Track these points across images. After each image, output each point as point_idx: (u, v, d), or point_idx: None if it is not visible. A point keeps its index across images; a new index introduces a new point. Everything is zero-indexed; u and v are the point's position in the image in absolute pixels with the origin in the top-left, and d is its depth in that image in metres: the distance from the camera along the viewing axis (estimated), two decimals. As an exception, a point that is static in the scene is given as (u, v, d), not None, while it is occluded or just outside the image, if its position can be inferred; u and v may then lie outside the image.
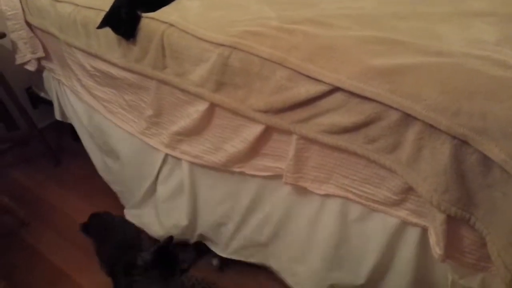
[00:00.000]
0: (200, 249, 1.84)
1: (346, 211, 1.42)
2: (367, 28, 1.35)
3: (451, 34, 1.29)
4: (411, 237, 1.32)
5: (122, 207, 2.12)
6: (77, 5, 1.76)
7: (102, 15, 1.61)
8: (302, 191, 1.48)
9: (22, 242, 1.98)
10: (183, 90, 1.56)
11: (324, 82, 1.22)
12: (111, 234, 1.62)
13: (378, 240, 1.39)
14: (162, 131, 1.72)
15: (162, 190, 1.87)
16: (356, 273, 1.50)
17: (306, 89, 1.26)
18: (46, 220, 2.08)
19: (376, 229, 1.38)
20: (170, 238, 1.50)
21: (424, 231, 1.27)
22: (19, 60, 2.12)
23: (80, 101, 2.05)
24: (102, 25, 1.59)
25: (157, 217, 1.91)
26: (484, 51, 1.18)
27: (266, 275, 1.77)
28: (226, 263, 1.81)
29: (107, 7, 1.61)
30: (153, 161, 1.82)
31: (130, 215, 2.01)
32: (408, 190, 1.23)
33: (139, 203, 1.98)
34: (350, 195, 1.36)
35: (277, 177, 1.50)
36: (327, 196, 1.42)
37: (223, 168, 1.59)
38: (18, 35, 2.05)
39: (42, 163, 2.42)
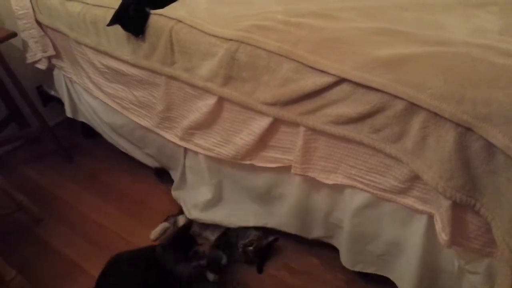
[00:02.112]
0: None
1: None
2: (372, 20, 1.37)
3: (454, 24, 1.32)
4: (418, 224, 1.34)
5: (131, 202, 2.16)
6: (86, 3, 1.80)
7: (111, 13, 1.64)
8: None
9: (36, 237, 2.01)
10: (192, 85, 1.59)
11: (330, 74, 1.25)
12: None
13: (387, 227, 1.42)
14: (175, 125, 1.76)
15: (190, 177, 1.93)
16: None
17: (313, 81, 1.29)
18: (59, 215, 2.11)
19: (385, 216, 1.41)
20: (189, 223, 1.55)
21: (431, 218, 1.30)
22: (30, 59, 2.16)
23: (95, 98, 2.09)
24: (112, 22, 1.62)
25: (190, 201, 1.95)
26: (487, 40, 1.20)
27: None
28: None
29: (116, 5, 1.64)
30: (178, 151, 1.88)
31: (174, 194, 2.06)
32: (414, 178, 1.25)
33: (177, 185, 2.03)
34: (358, 184, 1.39)
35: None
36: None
37: (233, 161, 1.62)
38: (29, 34, 2.09)
39: (53, 160, 2.46)
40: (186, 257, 1.58)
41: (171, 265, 1.56)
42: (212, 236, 1.89)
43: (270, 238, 1.82)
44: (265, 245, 1.80)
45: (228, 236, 1.86)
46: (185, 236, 1.62)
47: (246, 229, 1.84)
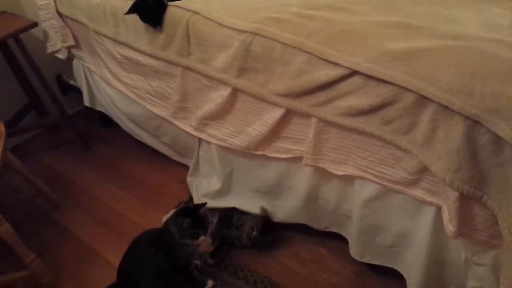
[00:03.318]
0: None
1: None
2: (385, 13, 1.39)
3: (466, 18, 1.33)
4: (426, 216, 1.36)
5: (146, 190, 2.21)
6: (106, -5, 1.84)
7: (130, 4, 1.68)
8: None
9: (54, 222, 2.08)
10: (207, 76, 1.63)
11: (343, 66, 1.27)
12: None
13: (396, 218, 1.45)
14: (189, 115, 1.80)
15: (203, 166, 1.97)
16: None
17: (325, 73, 1.31)
18: (76, 201, 2.18)
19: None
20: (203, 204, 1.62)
21: (439, 210, 1.31)
22: (50, 48, 2.21)
23: (112, 88, 2.14)
24: (130, 11, 1.67)
25: (201, 189, 2.00)
26: (498, 35, 1.21)
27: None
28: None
29: (135, -3, 1.68)
30: (192, 141, 1.92)
31: (188, 180, 2.11)
32: (423, 170, 1.27)
33: (192, 173, 2.08)
34: (368, 176, 1.41)
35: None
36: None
37: (246, 151, 1.66)
38: (50, 24, 2.14)
39: (72, 148, 2.52)
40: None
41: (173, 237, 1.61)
42: (213, 218, 1.94)
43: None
44: (263, 221, 1.82)
45: (229, 217, 1.91)
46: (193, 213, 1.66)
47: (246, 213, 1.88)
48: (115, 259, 1.79)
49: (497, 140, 1.08)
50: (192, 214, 1.57)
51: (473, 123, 1.09)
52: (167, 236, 1.58)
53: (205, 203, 1.62)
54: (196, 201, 1.96)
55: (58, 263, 1.82)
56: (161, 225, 1.68)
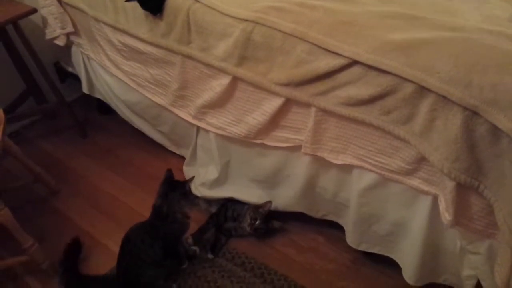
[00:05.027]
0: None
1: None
2: (386, 4, 1.40)
3: (467, 10, 1.34)
4: (423, 205, 1.39)
5: (144, 177, 2.23)
6: (106, -19, 1.84)
7: (130, -9, 1.68)
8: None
9: (52, 208, 2.08)
10: (207, 65, 1.63)
11: (343, 56, 1.28)
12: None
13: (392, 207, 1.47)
14: (188, 103, 1.80)
15: (200, 156, 1.98)
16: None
17: (326, 63, 1.32)
18: (74, 188, 2.18)
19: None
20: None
21: (435, 200, 1.33)
22: (49, 35, 2.20)
23: (111, 75, 2.14)
24: (130, -1, 1.67)
25: (199, 179, 1.99)
26: (498, 27, 1.23)
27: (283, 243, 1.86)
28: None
29: (135, -16, 1.67)
30: (191, 130, 1.93)
31: (185, 169, 2.12)
32: (421, 160, 1.29)
33: (188, 162, 2.08)
34: (366, 165, 1.43)
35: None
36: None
37: (245, 140, 1.67)
38: (49, 10, 2.13)
39: (69, 135, 2.52)
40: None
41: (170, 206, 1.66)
42: (210, 208, 1.97)
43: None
44: (263, 210, 1.83)
45: (226, 208, 1.93)
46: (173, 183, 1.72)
47: (242, 204, 1.90)
48: (113, 245, 1.81)
49: (495, 131, 1.09)
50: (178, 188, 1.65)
51: (472, 113, 1.11)
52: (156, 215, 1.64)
53: (193, 177, 1.68)
54: (194, 190, 1.97)
55: (56, 248, 1.83)
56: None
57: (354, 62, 1.27)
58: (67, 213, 2.06)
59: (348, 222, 1.65)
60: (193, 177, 1.74)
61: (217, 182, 1.92)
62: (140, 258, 1.60)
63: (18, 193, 2.11)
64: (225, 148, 1.81)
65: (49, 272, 1.77)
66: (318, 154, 1.51)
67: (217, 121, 1.72)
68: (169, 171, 1.73)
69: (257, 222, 1.81)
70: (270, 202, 1.81)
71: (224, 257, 1.80)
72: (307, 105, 1.45)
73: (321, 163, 1.56)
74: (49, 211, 2.07)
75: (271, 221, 1.86)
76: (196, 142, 1.95)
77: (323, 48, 1.32)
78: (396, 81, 1.21)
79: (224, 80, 1.61)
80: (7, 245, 1.84)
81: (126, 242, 1.64)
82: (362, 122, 1.36)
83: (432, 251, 1.45)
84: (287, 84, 1.45)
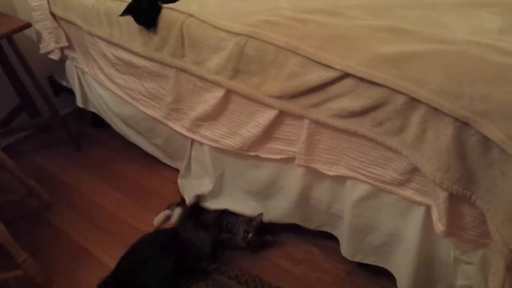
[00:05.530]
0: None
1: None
2: (377, 18, 1.42)
3: (456, 23, 1.36)
4: (416, 216, 1.39)
5: (138, 190, 2.22)
6: (100, -4, 1.85)
7: (124, 6, 1.70)
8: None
9: (46, 222, 2.07)
10: (201, 78, 1.65)
11: (335, 69, 1.30)
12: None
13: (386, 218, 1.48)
14: (183, 116, 1.81)
15: (195, 168, 1.98)
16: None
17: (318, 75, 1.34)
18: (68, 201, 2.18)
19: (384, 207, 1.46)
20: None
21: (428, 210, 1.34)
22: (43, 49, 2.21)
23: (105, 89, 2.15)
24: (125, 13, 1.68)
25: (193, 191, 2.00)
26: (487, 39, 1.25)
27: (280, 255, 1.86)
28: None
29: (129, -2, 1.69)
30: (185, 142, 1.93)
31: (179, 182, 2.11)
32: (413, 171, 1.30)
33: (183, 175, 2.08)
34: (359, 176, 1.44)
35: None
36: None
37: (239, 152, 1.68)
38: (43, 25, 2.14)
39: (63, 148, 2.52)
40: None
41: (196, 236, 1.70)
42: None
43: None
44: (256, 222, 1.83)
45: (221, 220, 1.92)
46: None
47: (237, 216, 1.90)
48: (108, 259, 1.81)
49: (485, 142, 1.11)
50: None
51: (462, 124, 1.12)
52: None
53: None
54: (188, 202, 1.97)
55: (51, 263, 1.82)
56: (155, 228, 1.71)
57: (346, 75, 1.29)
58: (61, 227, 2.05)
59: (342, 233, 1.66)
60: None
61: (212, 194, 1.92)
62: (150, 267, 1.60)
63: (12, 207, 2.10)
64: (219, 161, 1.82)
65: (43, 286, 1.75)
66: (312, 165, 1.52)
67: (211, 134, 1.73)
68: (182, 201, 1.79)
69: (250, 235, 1.80)
70: (261, 214, 1.81)
71: (217, 270, 1.79)
72: (300, 117, 1.46)
73: (314, 175, 1.57)
74: (43, 224, 2.06)
75: (264, 235, 1.85)
76: (190, 155, 1.96)
77: (315, 61, 1.34)
78: (388, 93, 1.23)
79: (218, 93, 1.62)
80: (1, 259, 1.82)
81: (140, 247, 1.66)
82: (354, 134, 1.37)
83: (426, 262, 1.46)
84: (280, 97, 1.46)
